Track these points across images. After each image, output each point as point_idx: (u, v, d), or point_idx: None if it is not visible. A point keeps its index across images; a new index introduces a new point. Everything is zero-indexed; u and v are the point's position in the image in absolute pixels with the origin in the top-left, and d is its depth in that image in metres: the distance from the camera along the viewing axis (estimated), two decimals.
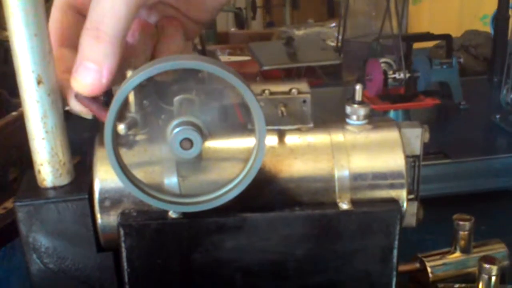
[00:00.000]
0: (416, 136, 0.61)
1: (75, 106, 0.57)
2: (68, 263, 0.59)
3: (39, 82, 0.55)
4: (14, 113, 0.95)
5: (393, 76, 1.23)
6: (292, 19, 3.19)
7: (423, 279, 0.77)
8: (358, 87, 0.61)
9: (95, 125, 0.58)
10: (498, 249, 0.80)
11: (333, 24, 2.32)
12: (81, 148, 0.67)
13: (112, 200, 0.57)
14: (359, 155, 0.60)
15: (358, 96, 0.62)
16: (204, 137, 0.53)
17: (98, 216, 0.57)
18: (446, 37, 1.36)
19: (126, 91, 0.50)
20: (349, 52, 1.65)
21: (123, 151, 0.56)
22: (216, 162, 0.58)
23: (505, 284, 0.74)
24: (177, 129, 0.52)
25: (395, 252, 0.59)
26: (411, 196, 0.62)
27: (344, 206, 0.58)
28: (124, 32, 0.54)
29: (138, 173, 0.55)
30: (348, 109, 0.62)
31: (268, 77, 1.53)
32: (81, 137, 0.76)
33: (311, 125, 0.61)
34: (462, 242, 0.78)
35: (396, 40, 1.27)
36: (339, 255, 0.59)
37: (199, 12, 0.66)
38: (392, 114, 1.25)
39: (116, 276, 0.60)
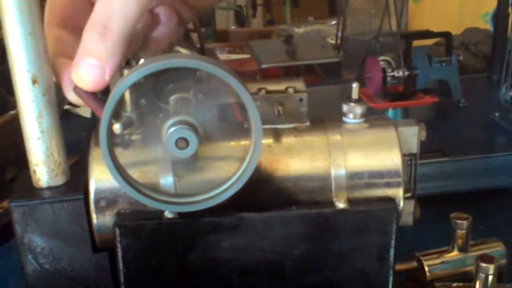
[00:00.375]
0: (413, 135, 0.61)
1: (70, 96, 0.56)
2: (63, 263, 0.59)
3: (34, 82, 0.55)
4: (12, 112, 0.95)
5: (392, 74, 1.23)
6: (293, 17, 3.18)
7: (421, 278, 0.77)
8: (355, 85, 0.61)
9: (94, 124, 0.58)
10: (495, 247, 0.80)
11: (334, 22, 2.31)
12: (79, 147, 0.67)
13: (108, 200, 0.57)
14: (356, 153, 0.59)
15: (355, 95, 0.61)
16: (200, 136, 0.53)
17: (94, 216, 0.57)
18: (446, 35, 1.36)
19: (121, 90, 0.50)
20: (349, 50, 1.64)
21: (118, 151, 0.55)
22: (212, 161, 0.58)
23: (503, 283, 0.74)
24: (172, 129, 0.52)
25: (391, 251, 0.59)
26: (408, 195, 0.62)
27: (341, 205, 0.58)
28: (131, 31, 0.52)
29: (134, 173, 0.55)
30: (345, 107, 0.62)
31: (267, 75, 1.52)
32: (79, 136, 0.76)
33: (308, 123, 0.61)
34: (459, 241, 0.78)
35: (395, 38, 1.27)
36: (336, 254, 0.59)
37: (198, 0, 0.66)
38: (391, 112, 1.25)
39: (111, 276, 0.59)
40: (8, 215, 0.75)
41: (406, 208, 0.61)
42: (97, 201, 0.57)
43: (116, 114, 0.53)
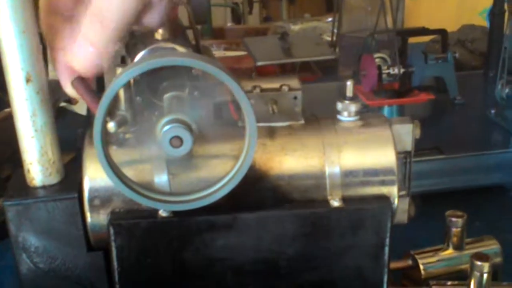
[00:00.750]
0: (407, 132, 0.61)
1: (67, 87, 0.56)
2: (58, 262, 0.58)
3: (28, 80, 0.55)
4: (7, 110, 0.95)
5: (387, 71, 1.23)
6: (289, 14, 3.18)
7: (416, 276, 0.77)
8: (349, 83, 0.61)
9: (90, 121, 0.57)
10: (491, 245, 0.80)
11: (330, 19, 2.31)
12: (75, 144, 0.67)
13: (102, 199, 0.57)
14: (350, 151, 0.59)
15: (349, 92, 0.61)
16: (194, 134, 0.53)
17: (88, 215, 0.57)
18: (441, 32, 1.36)
19: (115, 88, 0.50)
20: (345, 47, 1.64)
21: (112, 149, 0.55)
22: (206, 159, 0.57)
23: (498, 281, 0.74)
24: (166, 127, 0.52)
25: (386, 249, 0.59)
26: (403, 193, 0.62)
27: (335, 203, 0.58)
28: (130, 20, 0.53)
29: (128, 172, 0.54)
30: (339, 105, 0.61)
31: (263, 72, 1.52)
32: (75, 133, 0.76)
33: (302, 121, 0.61)
34: (454, 239, 0.78)
35: (391, 35, 1.27)
36: (331, 253, 0.59)
37: None
38: (386, 109, 1.25)
39: (106, 275, 0.59)
40: (2, 214, 0.75)
41: (401, 206, 0.61)
42: (91, 200, 0.57)
43: (111, 113, 0.53)
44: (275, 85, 0.60)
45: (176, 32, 0.66)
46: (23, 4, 0.53)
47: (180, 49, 0.59)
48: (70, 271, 0.59)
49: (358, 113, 0.61)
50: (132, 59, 0.57)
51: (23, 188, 0.58)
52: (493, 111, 1.26)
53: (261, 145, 0.59)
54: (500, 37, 1.43)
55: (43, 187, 0.58)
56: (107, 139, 0.52)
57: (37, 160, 0.57)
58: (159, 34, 0.58)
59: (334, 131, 0.60)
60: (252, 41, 1.65)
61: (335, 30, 1.59)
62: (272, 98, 0.60)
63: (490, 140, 1.23)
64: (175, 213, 0.56)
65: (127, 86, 0.54)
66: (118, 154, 0.55)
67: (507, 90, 1.23)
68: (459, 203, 0.83)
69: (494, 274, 0.70)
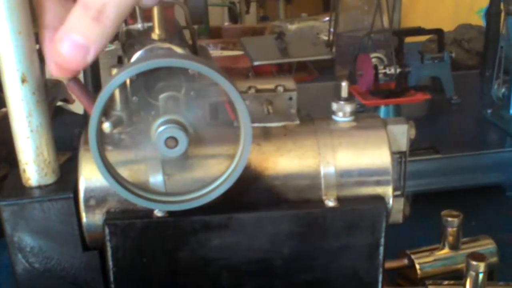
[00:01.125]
0: (402, 133, 0.61)
1: (52, 69, 0.51)
2: (53, 262, 0.59)
3: (23, 81, 0.55)
4: (3, 109, 0.95)
5: (384, 71, 1.23)
6: (286, 13, 3.18)
7: (412, 275, 0.77)
8: (344, 83, 0.61)
9: (86, 121, 0.57)
10: (487, 245, 0.80)
11: (327, 19, 2.31)
12: (72, 143, 0.67)
13: (97, 199, 0.57)
14: (345, 152, 0.59)
15: (344, 93, 0.61)
16: (189, 135, 0.53)
17: (84, 215, 0.57)
18: (438, 32, 1.36)
19: (110, 89, 0.50)
20: (342, 47, 1.64)
21: (108, 150, 0.55)
22: (201, 160, 0.58)
23: (494, 280, 0.74)
24: (161, 128, 0.52)
25: (381, 249, 0.59)
26: (398, 193, 0.62)
27: (330, 203, 0.58)
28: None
29: (123, 172, 0.54)
30: (334, 106, 0.62)
31: (259, 72, 1.52)
32: (72, 133, 0.75)
33: (297, 122, 0.61)
34: (450, 239, 0.78)
35: (387, 35, 1.27)
36: (326, 253, 0.59)
37: None
38: (382, 109, 1.25)
39: (102, 275, 0.59)
40: None
41: (396, 206, 0.62)
42: (86, 200, 0.57)
43: (106, 113, 0.53)
44: (270, 85, 0.60)
45: (172, 32, 0.66)
46: (19, 5, 0.53)
47: (177, 49, 0.59)
48: (66, 271, 0.59)
49: (353, 113, 0.62)
50: (129, 59, 0.57)
51: (18, 188, 0.58)
52: (489, 111, 1.26)
53: (256, 145, 0.59)
54: (496, 37, 1.43)
55: (39, 187, 0.58)
56: (102, 139, 0.52)
57: (32, 160, 0.57)
58: (156, 34, 0.58)
59: (329, 131, 0.60)
60: (249, 40, 1.66)
61: (332, 30, 1.59)
62: (267, 99, 0.60)
63: (486, 140, 1.23)
64: (170, 213, 0.56)
65: (123, 86, 0.54)
66: (113, 154, 0.55)
67: (503, 90, 1.23)
68: (455, 203, 0.83)
69: (490, 274, 0.70)
